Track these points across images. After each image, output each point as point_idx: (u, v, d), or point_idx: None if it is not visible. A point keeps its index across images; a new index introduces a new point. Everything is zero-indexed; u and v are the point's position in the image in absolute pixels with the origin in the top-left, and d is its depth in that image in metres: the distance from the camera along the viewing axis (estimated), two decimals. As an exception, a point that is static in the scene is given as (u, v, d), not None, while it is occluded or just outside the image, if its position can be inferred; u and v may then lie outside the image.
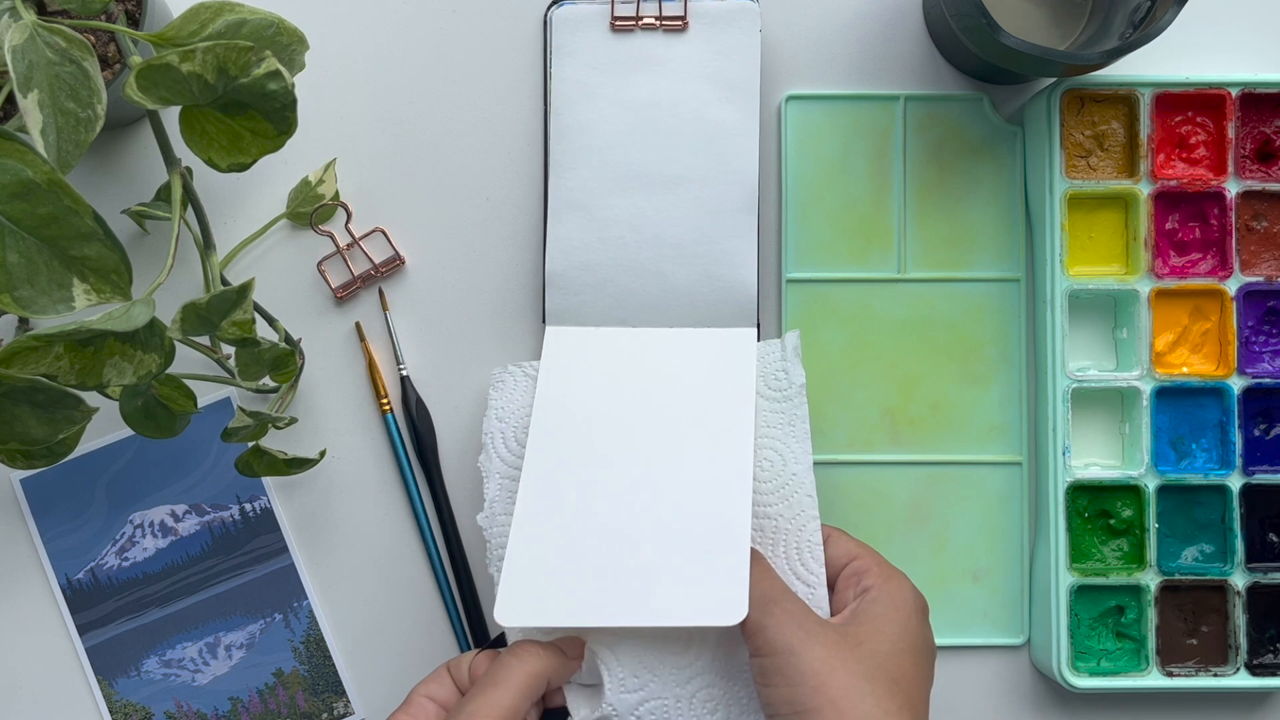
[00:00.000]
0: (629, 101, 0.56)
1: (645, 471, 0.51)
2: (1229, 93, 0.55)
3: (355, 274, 0.58)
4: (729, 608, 0.46)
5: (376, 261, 0.58)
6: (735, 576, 0.47)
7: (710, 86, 0.56)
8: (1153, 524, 0.55)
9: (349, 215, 0.58)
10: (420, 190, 0.58)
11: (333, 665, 0.58)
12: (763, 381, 0.54)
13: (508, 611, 0.47)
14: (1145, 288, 0.55)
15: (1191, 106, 0.56)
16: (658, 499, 0.50)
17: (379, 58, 0.58)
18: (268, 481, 0.58)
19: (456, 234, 0.58)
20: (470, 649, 0.58)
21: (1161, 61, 0.57)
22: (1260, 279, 0.56)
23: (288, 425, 0.54)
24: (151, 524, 0.58)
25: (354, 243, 0.58)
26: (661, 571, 0.48)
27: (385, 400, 0.58)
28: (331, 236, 0.58)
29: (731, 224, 0.56)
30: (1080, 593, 0.55)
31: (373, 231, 0.58)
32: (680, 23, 0.56)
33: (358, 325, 0.58)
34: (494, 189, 0.58)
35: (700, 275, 0.56)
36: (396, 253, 0.58)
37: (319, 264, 0.58)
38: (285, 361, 0.51)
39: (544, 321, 0.57)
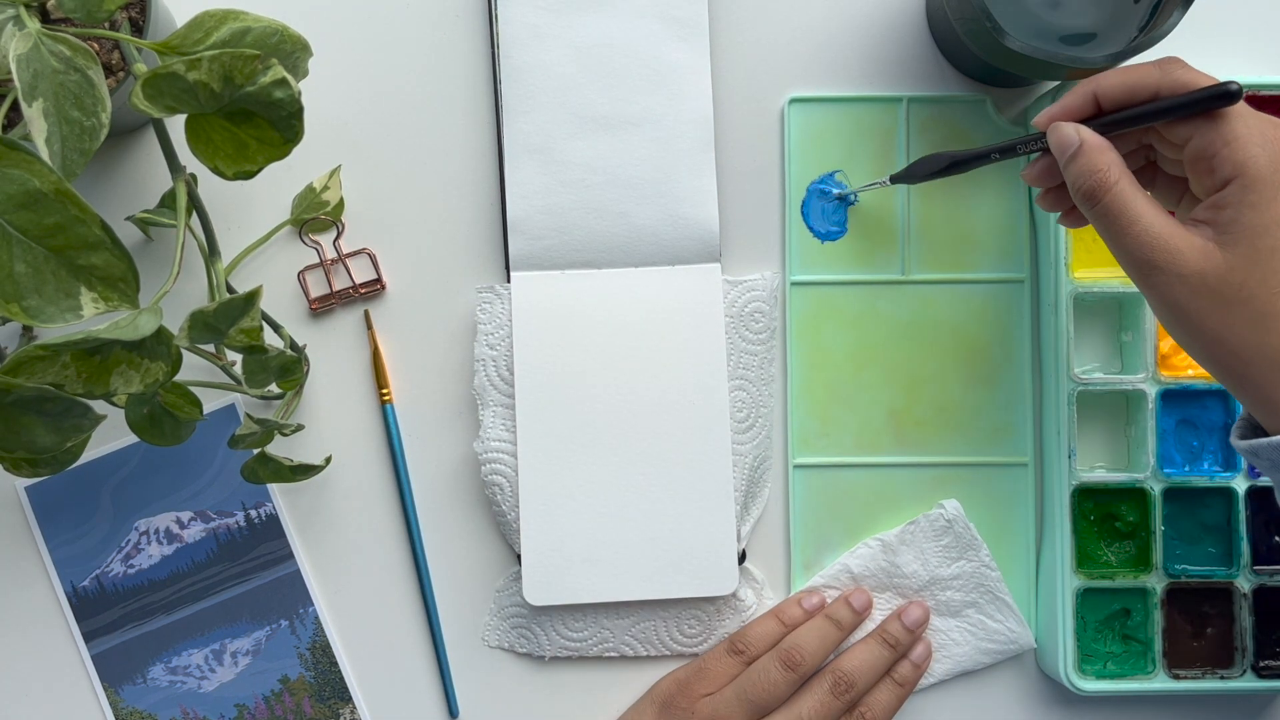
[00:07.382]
0: (580, 43, 0.57)
1: (632, 426, 0.56)
2: (1232, 94, 0.55)
3: (334, 289, 0.58)
4: (721, 580, 0.56)
5: (357, 281, 0.58)
6: (724, 552, 0.55)
7: (660, 25, 0.57)
8: (1158, 527, 0.55)
9: (340, 232, 0.58)
10: (414, 207, 0.58)
11: (339, 671, 0.58)
12: (741, 323, 0.57)
13: (534, 592, 0.56)
14: (1150, 290, 0.55)
15: (1195, 108, 0.56)
16: (647, 459, 0.56)
17: (383, 62, 0.58)
18: (273, 488, 0.58)
19: (438, 262, 0.58)
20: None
21: (1165, 64, 0.57)
22: (1265, 280, 0.56)
23: (294, 432, 0.54)
24: (157, 531, 0.58)
25: (339, 259, 0.58)
26: (660, 547, 0.56)
27: (386, 392, 0.58)
28: (319, 248, 0.58)
29: (691, 162, 0.57)
30: (1086, 596, 0.55)
31: (360, 251, 0.58)
32: None
33: (366, 314, 0.58)
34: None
35: (663, 214, 0.56)
36: (379, 276, 0.58)
37: (300, 272, 0.58)
38: (292, 368, 0.50)
39: (507, 267, 0.57)
